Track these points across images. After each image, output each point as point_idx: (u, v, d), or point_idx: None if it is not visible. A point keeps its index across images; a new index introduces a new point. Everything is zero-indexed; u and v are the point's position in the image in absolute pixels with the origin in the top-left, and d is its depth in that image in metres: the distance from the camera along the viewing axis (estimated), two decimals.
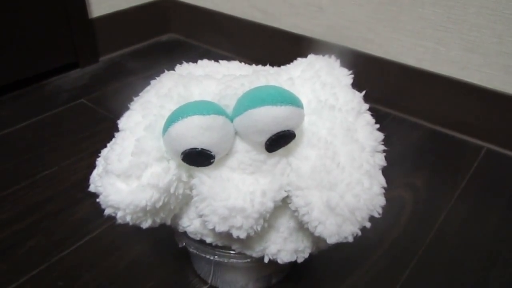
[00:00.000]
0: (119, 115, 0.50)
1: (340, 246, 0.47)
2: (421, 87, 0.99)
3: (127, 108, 0.51)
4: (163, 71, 0.55)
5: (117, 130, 0.49)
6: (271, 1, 1.17)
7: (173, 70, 0.57)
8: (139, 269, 0.65)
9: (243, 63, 0.59)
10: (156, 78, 0.53)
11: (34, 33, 1.13)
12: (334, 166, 0.43)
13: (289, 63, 0.56)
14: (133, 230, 0.70)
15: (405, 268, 0.65)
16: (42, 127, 1.00)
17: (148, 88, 0.52)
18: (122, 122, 0.48)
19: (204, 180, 0.44)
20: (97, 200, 0.46)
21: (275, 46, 1.22)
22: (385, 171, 0.46)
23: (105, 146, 0.53)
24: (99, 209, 0.46)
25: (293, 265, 0.63)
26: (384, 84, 1.04)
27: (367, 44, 1.04)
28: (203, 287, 0.62)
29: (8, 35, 1.09)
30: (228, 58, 0.60)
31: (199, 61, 0.58)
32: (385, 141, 0.47)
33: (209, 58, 0.60)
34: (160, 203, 0.44)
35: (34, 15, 1.12)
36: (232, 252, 0.52)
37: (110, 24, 1.30)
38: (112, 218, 0.46)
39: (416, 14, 0.93)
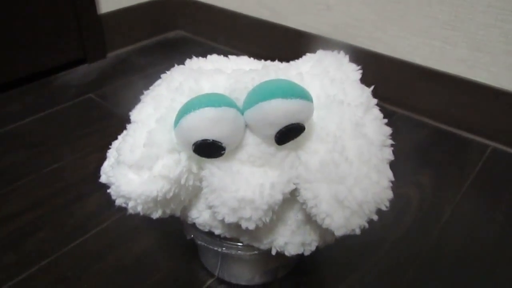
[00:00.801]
0: (126, 110, 0.51)
1: (345, 242, 0.48)
2: (428, 86, 0.99)
3: (134, 104, 0.52)
4: (170, 68, 0.55)
5: (124, 124, 0.50)
6: None
7: (183, 65, 0.58)
8: (146, 261, 0.66)
9: (252, 58, 0.60)
10: (167, 72, 0.54)
11: (43, 29, 1.15)
12: (343, 160, 0.43)
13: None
14: (141, 223, 0.71)
15: (410, 265, 0.66)
16: (51, 121, 1.01)
17: (159, 81, 0.53)
18: (134, 114, 0.49)
19: (214, 171, 0.44)
20: (108, 190, 0.47)
21: (282, 44, 1.22)
22: (391, 169, 0.46)
23: (113, 141, 0.53)
24: (107, 202, 0.47)
25: (299, 259, 0.64)
26: (390, 82, 1.04)
27: (374, 43, 1.04)
28: (209, 280, 0.63)
29: (17, 31, 1.10)
30: (235, 55, 0.61)
31: (209, 56, 0.59)
32: (391, 139, 0.48)
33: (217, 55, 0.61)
34: (171, 194, 0.44)
35: (42, 10, 1.13)
36: (239, 244, 0.53)
37: (118, 20, 1.31)
38: (119, 212, 0.47)
39: (423, 12, 0.94)
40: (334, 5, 1.07)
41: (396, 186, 0.46)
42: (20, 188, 0.80)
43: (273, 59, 0.59)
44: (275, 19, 1.21)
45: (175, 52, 1.36)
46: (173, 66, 0.55)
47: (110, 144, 0.54)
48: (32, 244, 0.69)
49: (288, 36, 1.20)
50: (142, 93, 0.54)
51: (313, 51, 0.56)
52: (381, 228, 0.71)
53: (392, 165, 0.47)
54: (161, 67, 1.15)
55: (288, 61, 0.57)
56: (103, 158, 0.53)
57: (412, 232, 0.71)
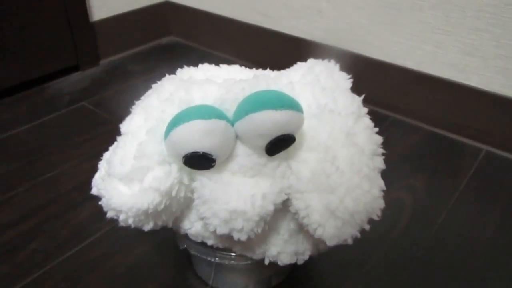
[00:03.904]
0: (120, 118, 0.51)
1: (339, 249, 0.48)
2: (420, 90, 0.99)
3: (128, 111, 0.51)
4: (164, 74, 0.55)
5: (118, 133, 0.50)
6: (271, 4, 1.17)
7: (174, 73, 0.58)
8: (140, 271, 0.66)
9: (243, 67, 0.60)
10: (158, 82, 0.54)
11: (35, 36, 1.14)
12: (334, 170, 0.43)
13: (289, 65, 0.57)
14: (134, 233, 0.70)
15: (404, 270, 0.66)
16: (43, 130, 1.00)
17: (149, 92, 0.53)
18: (124, 126, 0.48)
19: (205, 183, 0.44)
20: (99, 203, 0.47)
21: (275, 49, 1.22)
22: (384, 174, 0.46)
23: (106, 149, 0.53)
24: (100, 212, 0.47)
25: (293, 267, 0.64)
26: (383, 87, 1.04)
27: (367, 47, 1.04)
28: None
29: (10, 38, 1.10)
30: (229, 61, 0.61)
31: (200, 65, 0.59)
32: (384, 144, 0.48)
33: (210, 61, 0.61)
34: (162, 206, 0.44)
35: (35, 18, 1.12)
36: (232, 254, 0.53)
37: (110, 27, 1.31)
38: (113, 221, 0.46)
39: (415, 17, 0.94)
40: (326, 10, 1.07)
41: (389, 190, 0.46)
42: (12, 199, 0.80)
43: (266, 64, 0.59)
44: (267, 24, 1.21)
45: (169, 59, 1.35)
46: (166, 72, 0.55)
47: (104, 153, 0.54)
48: (24, 255, 0.68)
49: (280, 41, 1.20)
50: (135, 101, 0.53)
51: (305, 55, 0.56)
52: (375, 234, 0.71)
53: (386, 170, 0.47)
54: (154, 74, 1.15)
55: (281, 65, 0.57)
56: (97, 167, 0.52)
57: (405, 237, 0.71)
